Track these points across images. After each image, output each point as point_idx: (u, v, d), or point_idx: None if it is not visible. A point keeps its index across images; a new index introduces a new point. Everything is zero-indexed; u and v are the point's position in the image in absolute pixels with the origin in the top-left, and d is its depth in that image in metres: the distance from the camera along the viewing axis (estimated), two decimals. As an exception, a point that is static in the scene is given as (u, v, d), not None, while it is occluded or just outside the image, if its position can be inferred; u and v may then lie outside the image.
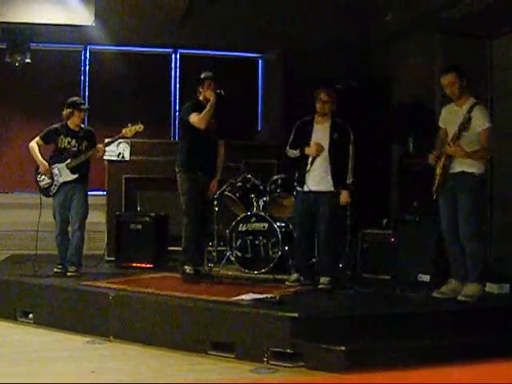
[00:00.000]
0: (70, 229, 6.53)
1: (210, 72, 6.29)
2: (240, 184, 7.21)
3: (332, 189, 5.90)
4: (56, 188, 6.45)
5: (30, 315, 5.82)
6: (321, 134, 5.97)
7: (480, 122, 5.13)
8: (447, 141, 5.26)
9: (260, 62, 9.69)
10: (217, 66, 9.16)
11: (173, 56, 9.35)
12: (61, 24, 7.70)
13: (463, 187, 5.19)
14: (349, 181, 5.93)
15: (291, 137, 6.14)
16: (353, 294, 5.76)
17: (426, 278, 6.19)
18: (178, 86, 9.24)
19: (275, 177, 7.15)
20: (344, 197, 5.92)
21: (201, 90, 6.23)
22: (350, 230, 6.79)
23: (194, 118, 6.07)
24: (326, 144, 5.93)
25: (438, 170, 5.27)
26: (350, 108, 8.05)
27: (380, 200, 7.79)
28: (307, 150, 5.94)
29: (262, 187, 7.12)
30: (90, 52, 9.06)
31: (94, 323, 5.43)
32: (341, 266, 6.72)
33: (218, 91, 6.14)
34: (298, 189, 6.07)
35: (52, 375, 4.27)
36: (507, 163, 7.19)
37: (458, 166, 5.21)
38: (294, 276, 6.03)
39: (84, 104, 6.73)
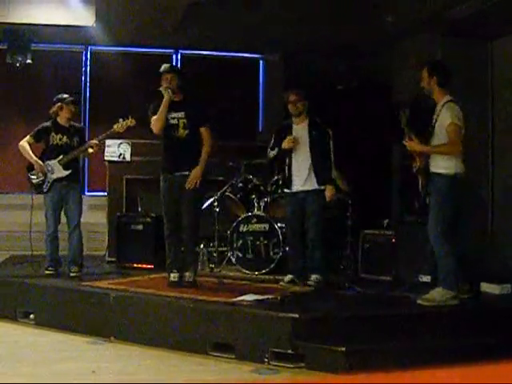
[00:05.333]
0: (60, 228, 6.54)
1: (168, 64, 5.96)
2: (241, 185, 7.22)
3: (317, 187, 5.94)
4: (49, 185, 6.46)
5: (31, 316, 5.83)
6: (300, 133, 6.01)
7: (445, 117, 5.17)
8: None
9: (261, 62, 9.69)
10: (218, 66, 9.19)
11: (174, 56, 9.35)
12: (62, 25, 7.70)
13: (432, 187, 5.25)
14: (334, 176, 6.01)
15: (272, 140, 6.19)
16: (353, 295, 5.76)
17: (426, 278, 6.17)
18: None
19: (276, 177, 7.15)
20: (329, 192, 5.93)
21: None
22: (350, 230, 6.79)
23: (151, 124, 5.81)
24: (306, 143, 5.97)
25: (415, 170, 5.37)
26: (350, 109, 8.07)
27: (381, 201, 7.79)
28: (283, 144, 5.96)
29: (262, 188, 7.12)
30: (90, 53, 9.08)
31: (94, 324, 5.44)
32: (342, 266, 6.72)
33: (165, 89, 5.73)
34: (286, 190, 6.13)
35: (53, 375, 4.28)
36: (508, 163, 7.19)
37: (431, 168, 5.27)
38: (288, 277, 6.04)
39: (70, 97, 6.63)
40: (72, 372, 4.38)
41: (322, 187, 5.94)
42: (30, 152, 6.52)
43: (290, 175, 6.03)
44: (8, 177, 8.78)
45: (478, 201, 7.29)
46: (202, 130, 5.85)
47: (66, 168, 6.47)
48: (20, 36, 8.03)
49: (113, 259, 7.35)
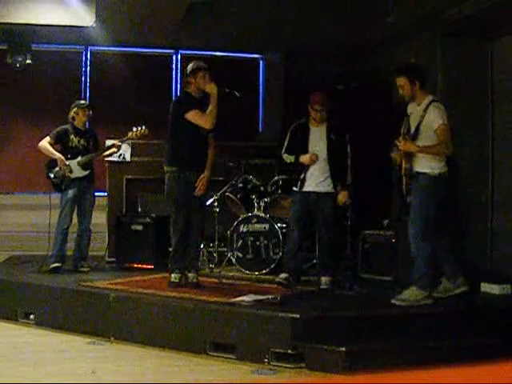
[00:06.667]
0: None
1: (202, 62, 5.96)
2: (241, 185, 7.21)
3: (332, 190, 5.93)
4: (67, 182, 6.70)
5: (31, 316, 5.83)
6: (318, 136, 5.96)
7: (433, 118, 5.12)
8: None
9: (261, 62, 9.69)
10: (218, 66, 9.17)
11: (173, 57, 9.35)
12: (61, 25, 7.70)
13: (416, 187, 5.22)
14: (348, 181, 5.96)
15: (286, 140, 6.09)
16: (353, 295, 5.77)
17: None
18: (178, 86, 9.25)
19: (276, 178, 7.15)
20: (343, 197, 5.93)
21: (192, 81, 5.87)
22: (350, 230, 6.78)
23: (195, 117, 5.71)
24: (324, 146, 5.93)
25: (403, 172, 5.29)
26: (350, 109, 8.05)
27: (381, 201, 7.78)
28: (302, 159, 5.91)
29: (262, 188, 7.12)
30: (90, 53, 9.07)
31: (94, 324, 5.44)
32: (342, 266, 6.72)
33: (228, 90, 5.90)
34: (296, 189, 6.05)
35: (53, 376, 4.28)
36: (508, 164, 7.19)
37: (414, 168, 5.24)
38: (283, 275, 5.94)
39: (86, 102, 7.06)
40: (72, 372, 4.38)
41: (336, 191, 5.93)
42: (53, 150, 6.77)
43: (305, 177, 5.94)
44: (8, 177, 8.78)
45: (478, 201, 7.28)
46: (210, 136, 5.97)
47: (84, 168, 6.76)
48: (20, 36, 8.03)
49: (113, 259, 7.36)
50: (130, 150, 7.72)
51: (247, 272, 6.73)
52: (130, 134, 6.77)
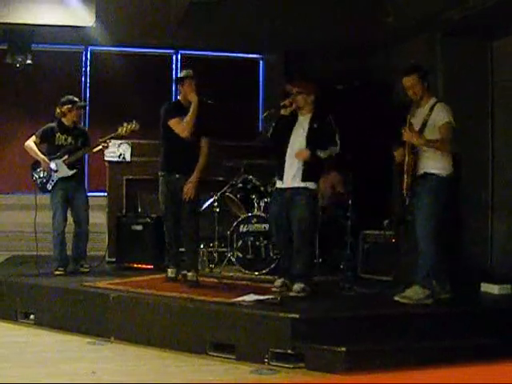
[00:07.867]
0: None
1: (190, 70, 6.13)
2: (241, 185, 7.21)
3: (302, 184, 5.59)
4: (53, 183, 6.54)
5: (31, 316, 5.83)
6: (302, 124, 5.73)
7: (440, 116, 5.11)
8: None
9: (261, 63, 9.69)
10: (218, 66, 9.18)
11: (173, 57, 9.35)
12: (61, 25, 7.70)
13: (424, 188, 5.18)
14: (320, 153, 5.56)
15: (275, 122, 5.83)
16: (353, 295, 5.76)
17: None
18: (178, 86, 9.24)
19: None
20: (302, 152, 5.55)
21: (180, 89, 6.15)
22: (350, 230, 6.78)
23: (175, 125, 5.96)
24: (303, 134, 5.67)
25: (405, 168, 5.19)
26: (350, 109, 8.05)
27: (381, 201, 7.78)
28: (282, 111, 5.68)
29: (262, 188, 7.12)
30: (90, 53, 9.07)
31: (94, 324, 5.44)
32: (342, 266, 6.72)
33: (209, 102, 6.02)
34: (277, 185, 5.79)
35: (53, 376, 4.27)
36: (508, 164, 7.19)
37: (421, 169, 5.20)
38: (279, 281, 5.75)
39: (81, 101, 6.87)
40: (72, 372, 4.38)
41: (308, 184, 5.59)
42: (37, 150, 6.62)
43: (283, 166, 5.67)
44: (8, 177, 8.78)
45: (478, 201, 7.28)
46: (204, 140, 6.05)
47: (70, 168, 6.56)
48: (20, 36, 8.03)
49: (113, 259, 7.36)
50: (129, 150, 7.71)
51: (247, 272, 6.73)
52: (120, 129, 6.54)
